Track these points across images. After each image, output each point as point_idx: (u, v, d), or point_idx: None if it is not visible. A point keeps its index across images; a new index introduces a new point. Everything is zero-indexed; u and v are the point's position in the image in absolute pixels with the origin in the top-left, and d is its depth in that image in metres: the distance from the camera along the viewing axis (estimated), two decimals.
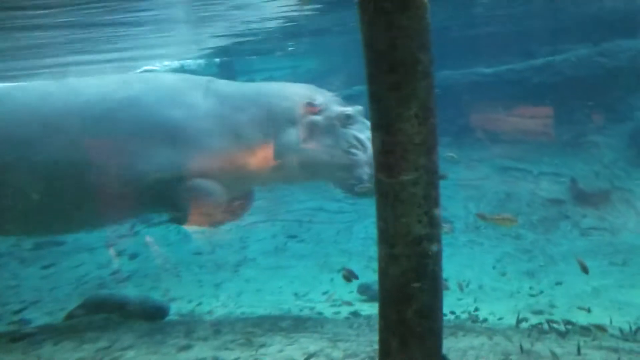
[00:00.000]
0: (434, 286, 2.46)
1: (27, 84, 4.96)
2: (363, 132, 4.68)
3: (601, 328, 3.94)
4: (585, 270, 4.50)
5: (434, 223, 2.46)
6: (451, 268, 6.50)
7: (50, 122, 4.19)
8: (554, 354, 3.29)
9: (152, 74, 5.54)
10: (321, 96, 4.67)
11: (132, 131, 4.30)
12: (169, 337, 3.94)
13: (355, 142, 4.66)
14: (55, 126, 4.18)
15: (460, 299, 5.41)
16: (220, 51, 11.65)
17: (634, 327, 4.45)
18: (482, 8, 10.40)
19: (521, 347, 3.34)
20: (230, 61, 13.52)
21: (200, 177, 4.40)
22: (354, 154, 4.64)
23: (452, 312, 5.07)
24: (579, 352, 3.29)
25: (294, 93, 4.67)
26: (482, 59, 10.28)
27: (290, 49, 12.77)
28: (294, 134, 4.58)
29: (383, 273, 2.46)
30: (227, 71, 13.46)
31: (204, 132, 4.41)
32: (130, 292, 5.84)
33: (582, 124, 9.07)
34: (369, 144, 4.53)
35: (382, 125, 2.44)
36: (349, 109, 4.68)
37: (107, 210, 4.42)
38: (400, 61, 2.34)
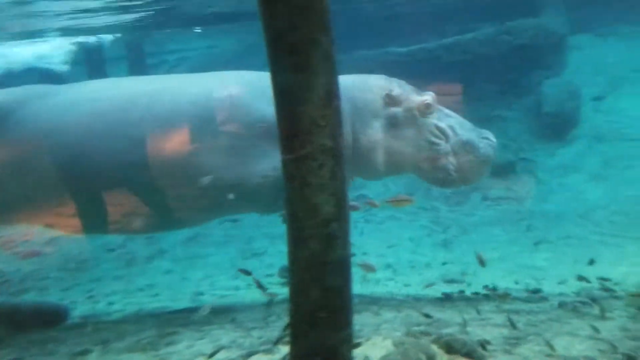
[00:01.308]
0: (342, 266, 2.50)
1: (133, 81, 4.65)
2: (442, 121, 4.54)
3: (504, 294, 4.23)
4: (482, 263, 4.74)
5: (341, 204, 2.48)
6: (370, 244, 6.72)
7: (159, 122, 4.05)
8: (464, 320, 3.49)
9: (234, 72, 4.84)
10: (398, 86, 4.55)
11: (238, 132, 4.17)
12: (63, 345, 3.60)
13: (436, 132, 4.51)
14: (164, 126, 4.05)
15: (377, 275, 5.57)
16: (127, 28, 11.01)
17: (535, 288, 4.84)
18: None
19: (426, 315, 3.51)
20: (137, 40, 12.72)
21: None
22: (437, 144, 4.49)
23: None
24: (478, 313, 3.52)
25: (374, 85, 4.55)
26: (396, 39, 10.49)
27: (196, 30, 12.34)
28: (378, 128, 4.48)
29: (292, 255, 2.46)
30: (135, 51, 12.70)
31: None
32: (28, 297, 5.42)
33: (490, 100, 9.58)
34: (450, 133, 4.48)
35: (285, 107, 2.40)
36: (427, 98, 4.51)
37: (208, 209, 4.36)
38: (301, 43, 2.30)
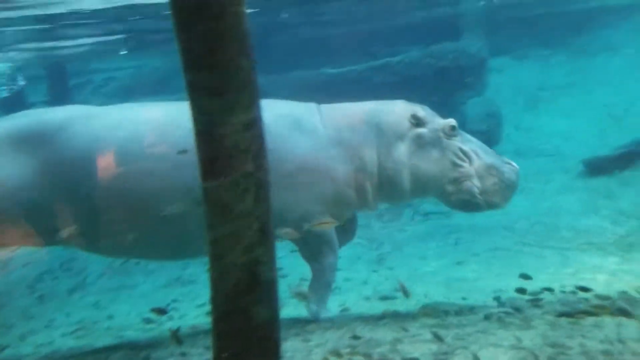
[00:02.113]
0: (269, 294, 2.44)
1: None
2: (465, 144, 4.56)
3: (429, 310, 4.33)
4: (406, 294, 4.82)
5: (266, 228, 2.44)
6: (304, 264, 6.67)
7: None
8: (395, 339, 3.53)
9: (265, 101, 4.64)
10: (421, 109, 4.58)
11: (273, 162, 4.11)
12: None
13: (461, 154, 4.51)
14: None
15: None
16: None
17: (465, 302, 4.99)
18: (330, 11, 10.89)
19: (355, 337, 3.52)
20: (59, 61, 12.12)
21: (329, 209, 4.33)
22: (461, 166, 4.48)
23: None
24: (406, 330, 3.58)
25: (398, 107, 4.58)
26: (329, 60, 10.75)
27: (122, 53, 12.03)
28: (404, 150, 4.47)
29: (215, 284, 2.38)
30: (56, 72, 12.09)
31: (334, 158, 4.35)
32: None
33: None
34: (474, 156, 4.51)
35: (206, 131, 2.35)
36: (452, 120, 4.55)
37: None
38: (220, 66, 2.27)
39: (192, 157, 3.94)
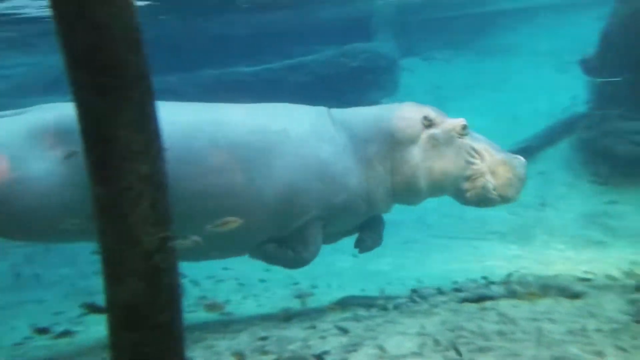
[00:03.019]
0: (171, 301, 2.35)
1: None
2: (475, 142, 4.65)
3: (343, 304, 4.43)
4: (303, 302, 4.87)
5: (165, 233, 2.35)
6: (219, 264, 6.54)
7: (222, 151, 4.10)
8: (307, 335, 3.57)
9: (281, 105, 4.66)
10: (432, 110, 4.63)
11: (293, 166, 4.24)
12: None
13: (473, 152, 4.59)
14: (225, 156, 4.11)
15: (229, 296, 5.47)
16: None
17: (378, 294, 5.13)
18: (242, 10, 10.75)
19: (262, 338, 3.52)
20: None
21: (345, 213, 4.50)
22: (475, 164, 4.57)
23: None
24: (314, 328, 3.64)
25: (409, 112, 4.63)
26: (243, 59, 10.65)
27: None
28: (418, 153, 4.55)
29: (111, 294, 2.26)
30: None
31: (348, 166, 4.43)
32: None
33: None
34: (485, 153, 4.62)
35: (94, 133, 2.22)
36: (463, 119, 4.60)
37: (252, 241, 4.38)
38: (107, 64, 2.15)
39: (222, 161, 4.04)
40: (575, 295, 4.05)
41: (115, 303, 2.28)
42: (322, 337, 3.51)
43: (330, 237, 4.89)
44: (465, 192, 4.63)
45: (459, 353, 3.00)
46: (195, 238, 3.71)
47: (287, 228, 4.34)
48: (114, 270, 2.28)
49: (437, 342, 3.22)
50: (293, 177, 4.21)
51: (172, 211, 2.37)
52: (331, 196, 4.35)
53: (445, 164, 4.56)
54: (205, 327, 4.11)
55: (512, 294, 4.21)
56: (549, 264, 6.26)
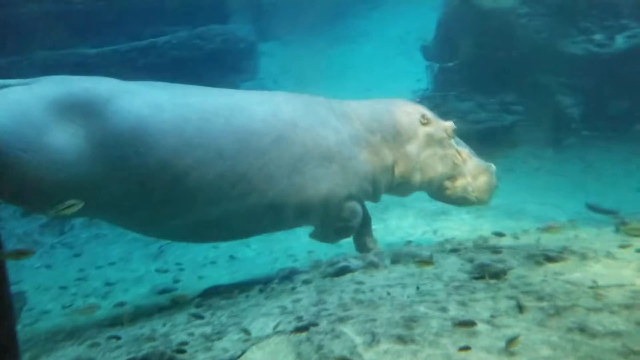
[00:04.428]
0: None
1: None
2: (460, 145, 4.98)
3: (208, 294, 4.31)
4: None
5: None
6: (73, 268, 6.00)
7: (236, 135, 4.15)
8: (168, 330, 3.38)
9: (281, 93, 4.76)
10: (426, 110, 4.91)
11: (301, 154, 4.34)
12: None
13: (457, 154, 4.90)
14: (240, 140, 4.16)
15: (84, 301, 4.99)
16: None
17: (245, 280, 5.09)
18: None
19: (116, 337, 3.29)
20: None
21: (351, 199, 4.60)
22: (459, 165, 4.89)
23: None
24: (166, 324, 3.49)
25: (409, 108, 4.88)
26: (85, 39, 9.66)
27: None
28: (415, 148, 4.79)
29: None
30: None
31: (353, 155, 4.56)
32: None
33: None
34: (468, 158, 4.98)
35: None
36: (451, 122, 4.93)
37: (268, 224, 4.52)
38: None
39: (236, 144, 4.12)
40: (424, 261, 4.41)
41: None
42: (185, 330, 3.36)
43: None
44: (446, 190, 4.98)
45: (316, 325, 3.09)
46: (74, 202, 3.56)
47: (308, 214, 4.56)
48: None
49: (299, 319, 3.27)
50: (301, 166, 4.33)
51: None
52: (343, 181, 4.51)
53: (437, 161, 4.88)
54: (58, 333, 3.70)
55: (370, 265, 4.44)
56: (396, 233, 6.73)
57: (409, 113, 4.88)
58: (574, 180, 9.26)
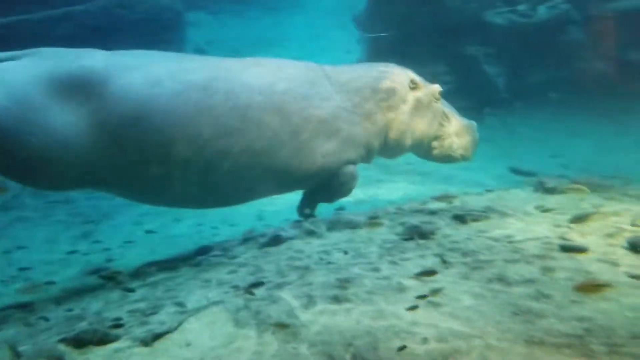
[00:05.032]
0: None
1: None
2: (445, 107, 5.32)
3: (142, 271, 4.22)
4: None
5: None
6: None
7: (236, 108, 4.24)
8: (101, 307, 3.29)
9: (274, 61, 4.76)
10: (415, 75, 5.15)
11: (298, 124, 4.46)
12: None
13: (444, 116, 5.25)
14: (239, 112, 4.24)
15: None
16: None
17: (180, 255, 4.99)
18: None
19: (44, 318, 3.17)
20: None
21: (349, 163, 4.79)
22: (444, 126, 5.24)
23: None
24: (114, 297, 3.42)
25: (400, 74, 5.08)
26: None
27: None
28: (406, 111, 5.01)
29: None
30: None
31: (349, 123, 4.72)
32: None
33: None
34: (452, 118, 5.32)
35: None
36: (438, 86, 5.21)
37: (269, 189, 4.72)
38: None
39: (239, 117, 4.19)
40: (358, 226, 4.54)
41: None
42: (119, 307, 3.29)
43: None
44: (433, 150, 5.32)
45: (252, 293, 3.13)
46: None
47: (307, 182, 4.79)
48: None
49: (236, 288, 3.29)
50: (299, 136, 4.44)
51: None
52: (340, 149, 4.68)
53: (426, 124, 5.15)
54: None
55: (307, 233, 4.52)
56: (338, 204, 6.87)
57: (398, 79, 5.07)
58: (498, 145, 9.80)
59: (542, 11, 11.09)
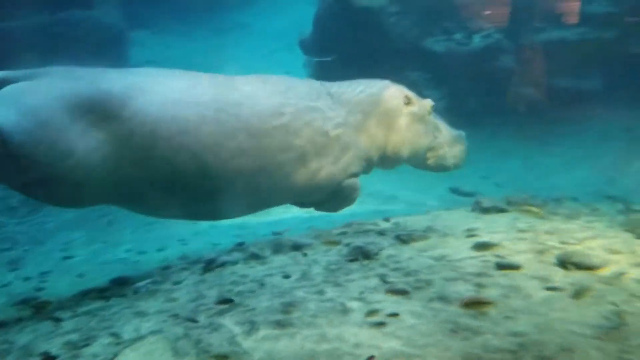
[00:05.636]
0: None
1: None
2: (436, 118, 5.61)
3: (71, 302, 3.99)
4: None
5: None
6: None
7: (249, 130, 4.34)
8: (30, 340, 3.08)
9: (280, 78, 4.86)
10: (408, 90, 5.39)
11: (304, 142, 4.60)
12: None
13: (436, 128, 5.54)
14: (254, 132, 4.36)
15: None
16: None
17: (116, 283, 4.78)
18: None
19: None
20: None
21: (352, 176, 5.00)
22: (437, 137, 5.54)
23: None
24: (38, 331, 3.20)
25: (395, 90, 5.31)
26: None
27: None
28: (403, 125, 5.25)
29: None
30: None
31: (352, 137, 4.94)
32: None
33: None
34: (443, 130, 5.63)
35: None
36: (431, 100, 5.46)
37: (278, 201, 4.87)
38: None
39: (257, 140, 4.32)
40: (301, 248, 4.53)
41: None
42: (48, 339, 3.09)
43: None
44: (428, 160, 5.60)
45: (194, 320, 3.03)
46: None
47: (314, 195, 4.91)
48: None
49: (176, 316, 3.18)
50: (305, 153, 4.57)
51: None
52: (343, 164, 4.84)
53: (421, 136, 5.40)
54: None
55: (251, 257, 4.46)
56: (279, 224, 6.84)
57: (395, 95, 5.35)
58: None
59: (476, 40, 11.71)
